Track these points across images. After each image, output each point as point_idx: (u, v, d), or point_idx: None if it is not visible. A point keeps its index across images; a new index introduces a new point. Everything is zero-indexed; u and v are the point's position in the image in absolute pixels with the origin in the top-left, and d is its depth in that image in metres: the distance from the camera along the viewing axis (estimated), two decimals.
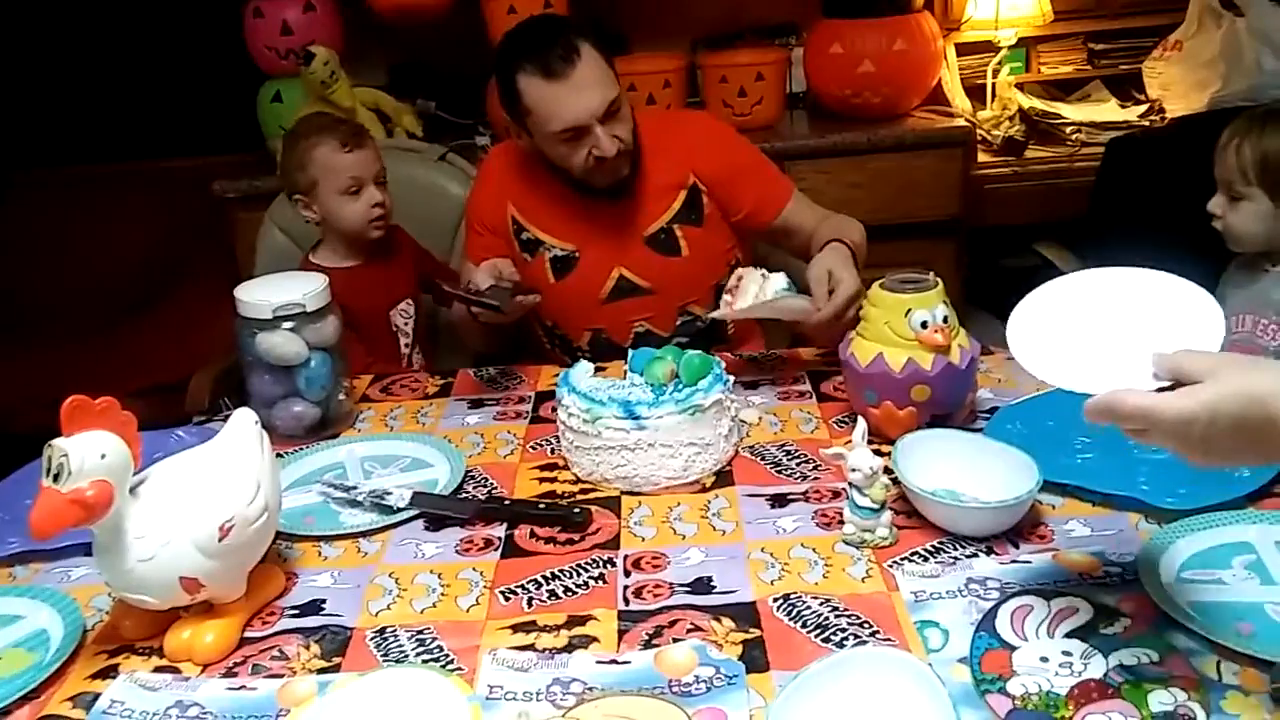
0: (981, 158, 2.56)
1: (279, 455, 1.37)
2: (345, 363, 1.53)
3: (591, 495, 1.27)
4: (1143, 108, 2.66)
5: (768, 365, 1.62)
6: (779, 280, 1.48)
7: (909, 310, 1.28)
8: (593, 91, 1.57)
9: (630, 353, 1.41)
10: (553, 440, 1.40)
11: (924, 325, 1.27)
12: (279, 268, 2.18)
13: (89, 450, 0.93)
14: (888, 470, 1.12)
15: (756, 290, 1.48)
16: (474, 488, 1.31)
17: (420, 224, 2.08)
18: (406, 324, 1.96)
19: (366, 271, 1.87)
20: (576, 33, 1.59)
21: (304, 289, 1.44)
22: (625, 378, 1.39)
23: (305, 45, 2.41)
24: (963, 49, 2.81)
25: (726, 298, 1.52)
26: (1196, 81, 2.53)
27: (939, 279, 1.31)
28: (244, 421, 1.10)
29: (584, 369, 1.39)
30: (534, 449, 1.41)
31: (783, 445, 1.35)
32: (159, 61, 3.08)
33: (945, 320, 1.28)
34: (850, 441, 1.13)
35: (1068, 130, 2.58)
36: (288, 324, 1.43)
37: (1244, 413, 0.76)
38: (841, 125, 2.62)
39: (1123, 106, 2.73)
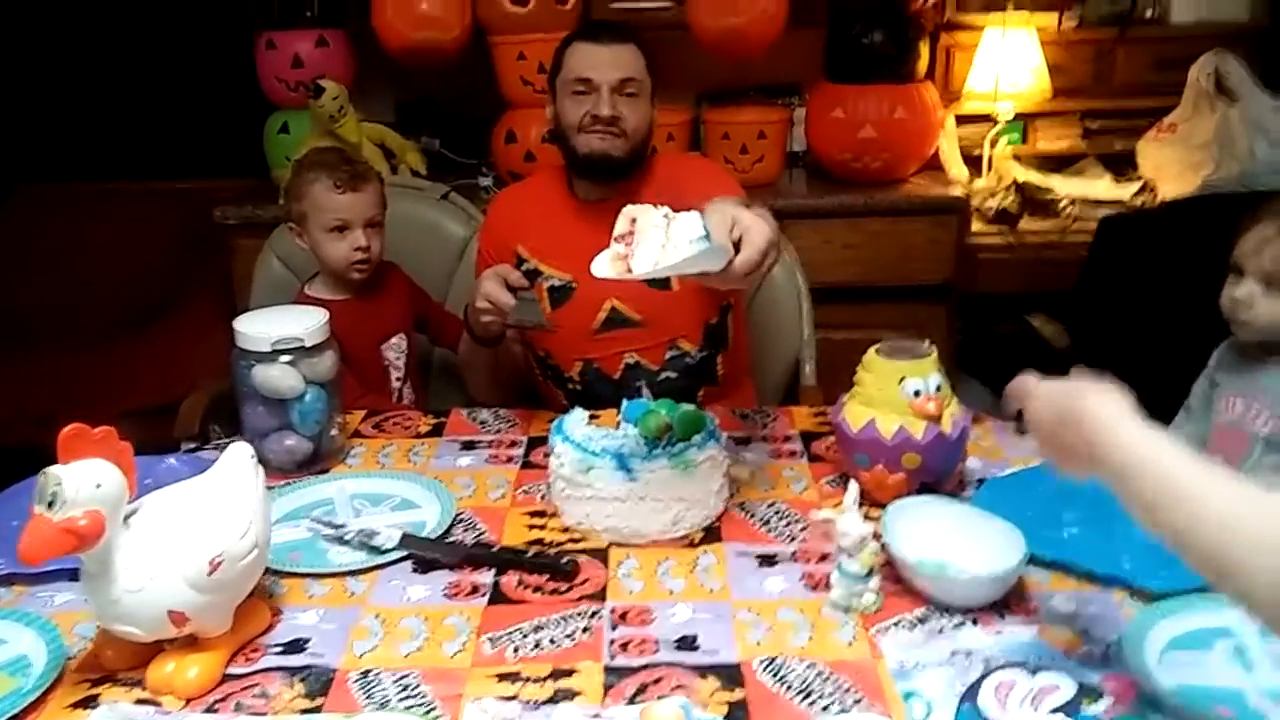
0: (975, 226, 2.59)
1: (269, 488, 1.38)
2: (340, 398, 1.53)
3: (580, 545, 1.27)
4: (1135, 185, 2.71)
5: (760, 421, 1.63)
6: (690, 224, 1.13)
7: (903, 378, 1.29)
8: (619, 65, 1.68)
9: (625, 403, 1.42)
10: (543, 487, 1.40)
11: (917, 394, 1.28)
12: (275, 297, 2.19)
13: (84, 479, 0.93)
14: (877, 536, 1.13)
15: (661, 240, 1.14)
16: (463, 531, 1.31)
17: (419, 262, 2.10)
18: (398, 359, 1.97)
19: (358, 306, 1.88)
20: (636, 37, 1.73)
21: (304, 323, 1.45)
22: (619, 428, 1.39)
23: (315, 79, 2.43)
24: (962, 120, 2.86)
25: (617, 248, 1.17)
26: (1190, 164, 2.58)
27: (934, 347, 1.33)
28: (239, 456, 1.10)
29: (579, 417, 1.39)
30: (524, 494, 1.41)
31: (772, 504, 1.35)
32: (169, 84, 3.11)
33: (938, 389, 1.30)
34: (840, 504, 1.13)
35: (1061, 204, 2.62)
36: (285, 357, 1.43)
37: (1065, 400, 0.95)
38: (840, 187, 2.65)
39: (1116, 183, 2.77)
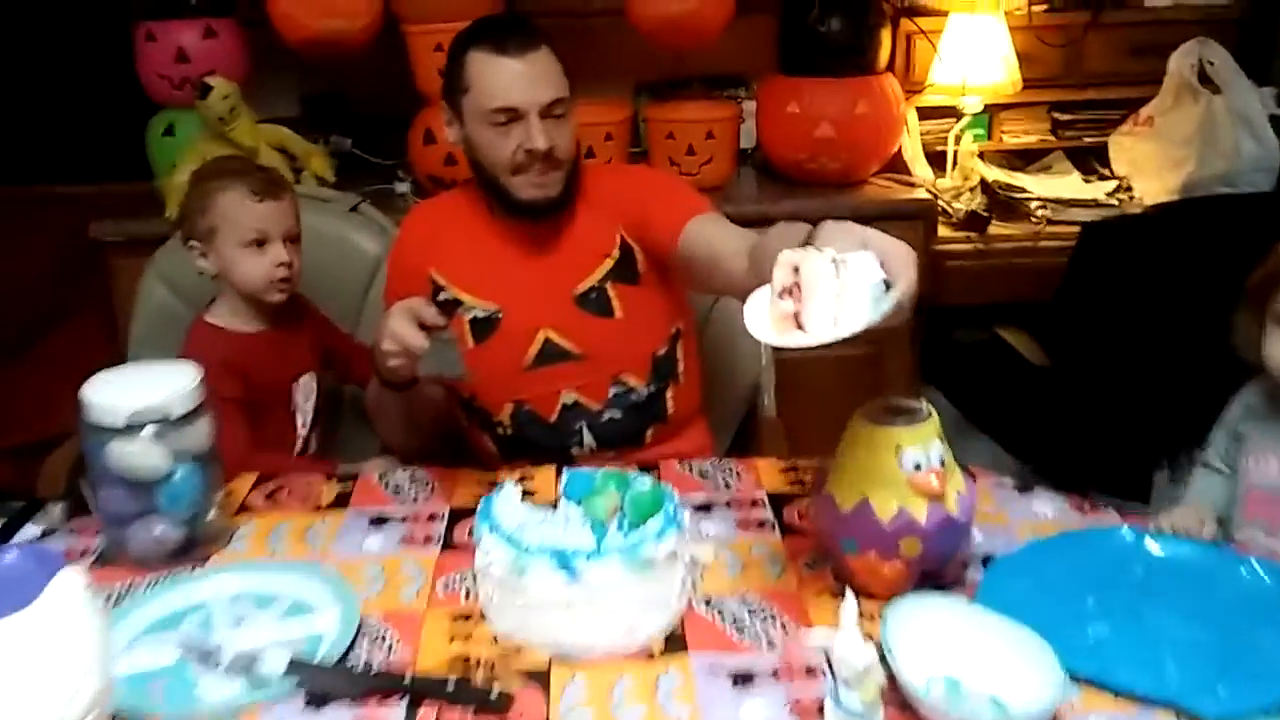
0: (942, 232, 2.41)
1: (128, 587, 1.15)
2: (218, 471, 1.29)
3: (514, 663, 1.05)
4: (1110, 185, 2.55)
5: (722, 479, 1.42)
6: (864, 267, 0.95)
7: (899, 447, 1.09)
8: (542, 82, 1.46)
9: (565, 473, 1.21)
10: (469, 578, 1.18)
11: (917, 467, 1.09)
12: (160, 328, 1.93)
13: None
14: (879, 651, 0.93)
15: (835, 290, 0.94)
16: (368, 646, 1.09)
17: (325, 284, 1.86)
18: (307, 402, 1.73)
19: (271, 338, 1.66)
20: (544, 36, 1.48)
21: (169, 387, 1.21)
22: (558, 506, 1.18)
23: (203, 75, 2.16)
24: (922, 113, 2.68)
25: (783, 305, 0.97)
26: (1169, 160, 2.43)
27: (931, 410, 1.13)
28: (68, 588, 0.86)
29: (510, 495, 1.18)
30: (446, 590, 1.19)
31: (744, 597, 1.15)
32: (42, 79, 2.79)
33: (941, 462, 1.10)
34: (836, 624, 0.93)
35: (1032, 205, 2.45)
36: (147, 430, 1.19)
37: None
38: (795, 190, 2.46)
39: (1086, 181, 2.62)
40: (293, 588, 1.18)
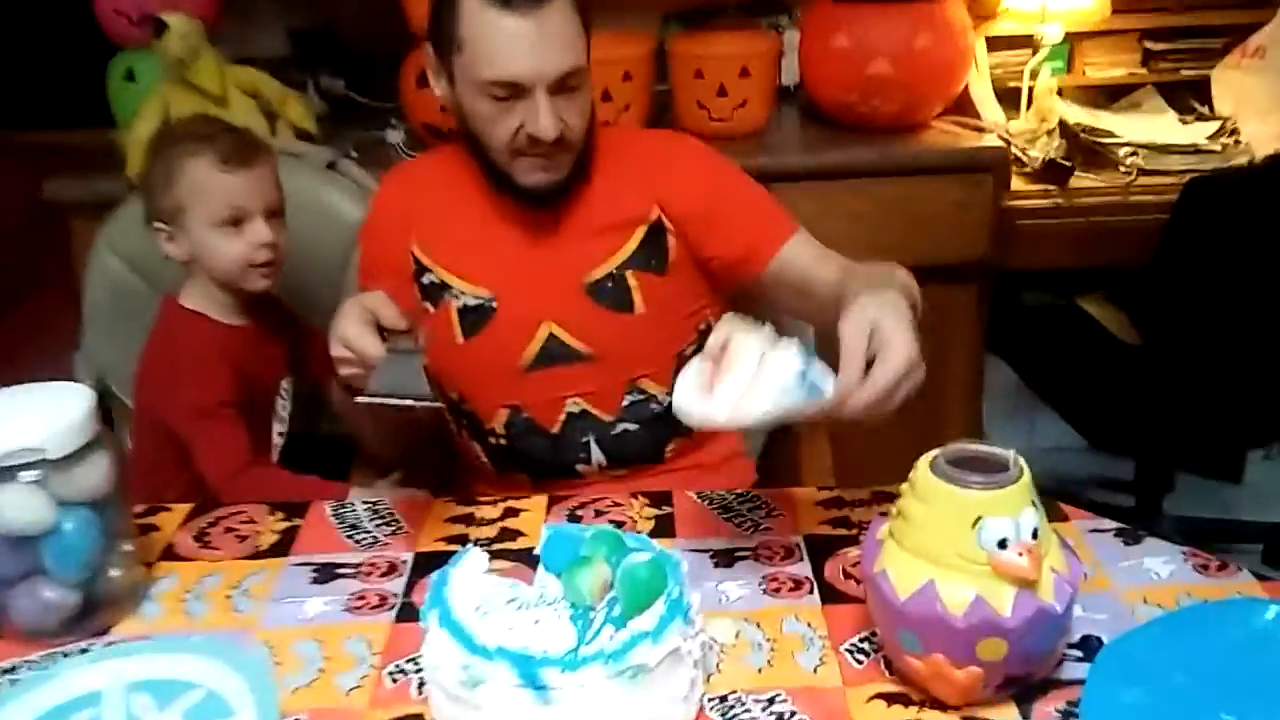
0: (1016, 184, 2.10)
1: (11, 668, 0.93)
2: (123, 518, 1.06)
3: None
4: (1211, 126, 2.22)
5: (747, 517, 1.17)
6: (787, 356, 0.95)
7: (979, 519, 0.83)
8: (554, 48, 1.18)
9: (544, 534, 0.96)
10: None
11: (1002, 544, 0.82)
12: (118, 307, 1.71)
13: None
14: None
15: (753, 369, 0.94)
16: None
17: (296, 256, 1.61)
18: (284, 408, 1.51)
19: (254, 333, 1.46)
20: None
21: (52, 420, 0.97)
22: (533, 582, 0.93)
23: (163, 10, 1.90)
24: (992, 44, 2.35)
25: (701, 367, 0.98)
26: None
27: (1023, 464, 0.86)
28: None
29: (473, 567, 0.93)
30: (395, 678, 0.95)
31: (773, 700, 0.90)
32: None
33: (1034, 534, 0.83)
34: None
35: (1121, 152, 2.13)
36: (26, 475, 0.95)
37: None
38: (843, 138, 2.15)
39: (1183, 122, 2.28)
40: (206, 674, 0.94)
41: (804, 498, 1.21)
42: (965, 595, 0.83)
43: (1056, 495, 2.54)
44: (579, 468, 1.34)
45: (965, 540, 0.83)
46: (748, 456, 1.49)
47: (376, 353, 1.07)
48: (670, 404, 1.32)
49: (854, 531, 1.12)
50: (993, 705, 0.87)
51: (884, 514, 0.92)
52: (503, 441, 1.35)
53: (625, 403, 1.32)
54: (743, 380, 0.93)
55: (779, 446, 1.61)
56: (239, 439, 1.37)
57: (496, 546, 1.13)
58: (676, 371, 1.31)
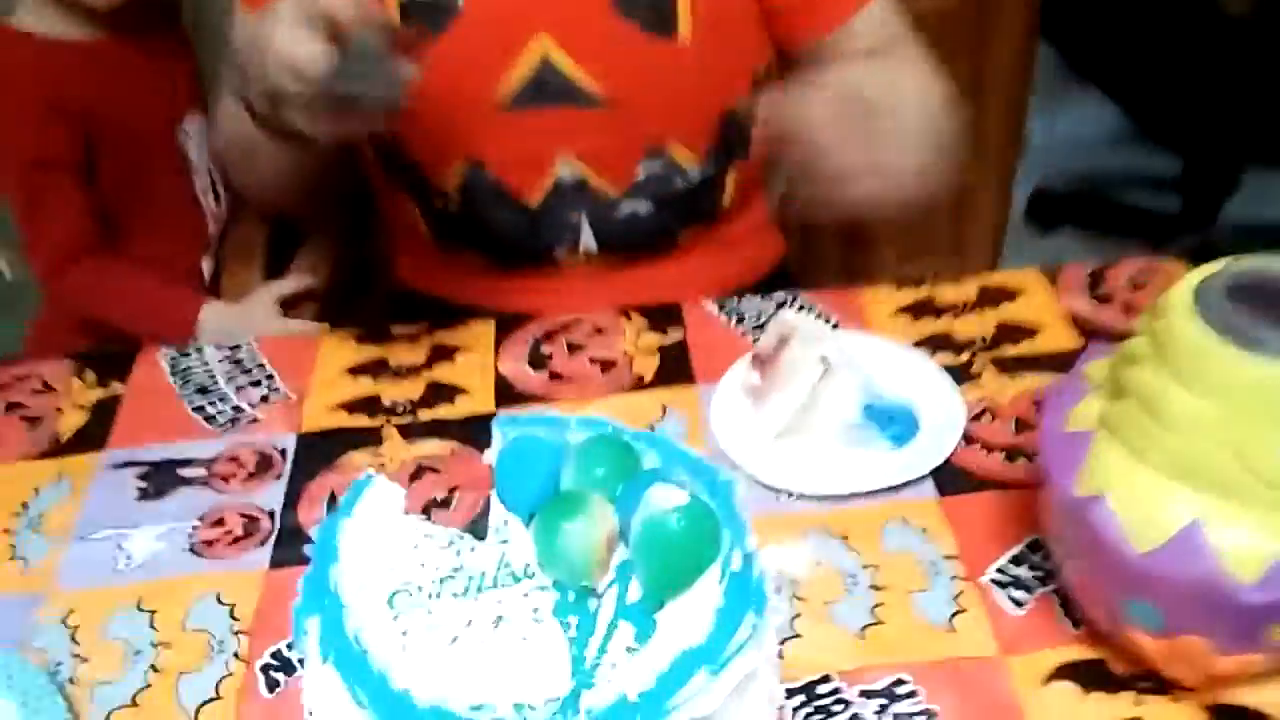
0: None
1: None
2: None
3: None
4: None
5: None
6: (846, 391, 0.70)
7: None
8: None
9: (497, 439, 0.58)
10: None
11: None
12: None
13: None
14: None
15: (803, 395, 0.69)
16: None
17: None
18: (201, 158, 1.11)
19: (115, 52, 1.07)
20: None
21: None
22: (487, 528, 0.56)
23: None
24: None
25: (751, 376, 0.72)
26: None
27: None
28: None
29: (378, 512, 0.55)
30: (275, 677, 0.59)
31: (891, 689, 0.56)
32: None
33: None
34: None
35: None
36: None
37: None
38: None
39: None
40: None
41: (878, 301, 0.82)
42: (1263, 549, 0.47)
43: (1093, 198, 2.16)
44: (558, 254, 0.93)
45: (1272, 452, 0.46)
46: (771, 221, 1.09)
47: (317, 63, 0.64)
48: (701, 179, 0.92)
49: (965, 358, 0.75)
50: (1258, 682, 0.54)
51: (1072, 373, 0.55)
52: (453, 209, 0.92)
53: (640, 174, 0.89)
54: (796, 396, 0.69)
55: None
56: (68, 216, 1.00)
57: (426, 416, 0.75)
58: (719, 139, 0.90)
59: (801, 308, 0.81)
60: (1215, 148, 2.01)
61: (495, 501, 0.56)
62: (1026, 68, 1.81)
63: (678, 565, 0.50)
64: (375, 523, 0.55)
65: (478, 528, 0.56)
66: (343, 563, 0.52)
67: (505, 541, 0.54)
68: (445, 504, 0.68)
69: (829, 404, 0.68)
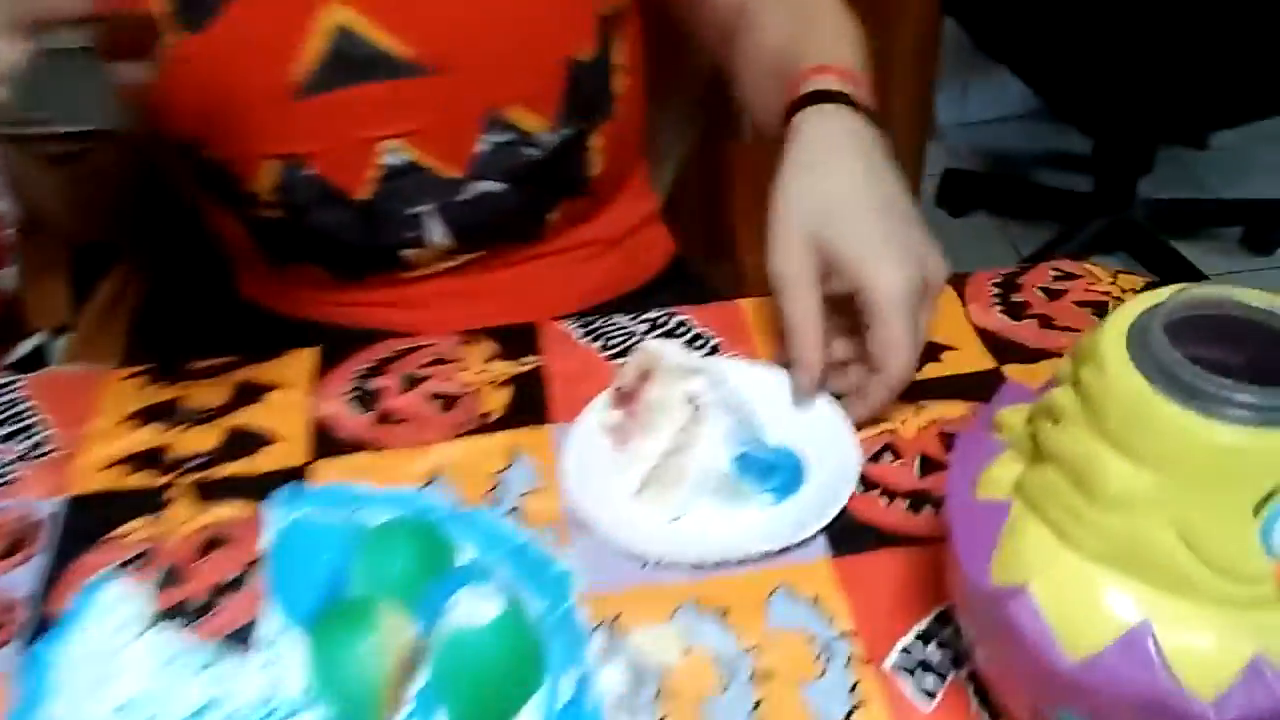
0: None
1: None
2: None
3: None
4: None
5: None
6: (714, 444, 0.59)
7: (1272, 498, 0.35)
8: None
9: (267, 529, 0.46)
10: None
11: None
12: None
13: None
14: None
15: (671, 437, 0.58)
16: None
17: None
18: None
19: None
20: None
21: None
22: (259, 632, 0.44)
23: None
24: None
25: (612, 416, 0.61)
26: None
27: None
28: None
29: (112, 624, 0.43)
30: None
31: None
32: None
33: None
34: None
35: None
36: None
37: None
38: None
39: None
40: None
41: (765, 316, 0.71)
42: (1222, 658, 0.37)
43: (1005, 179, 2.10)
44: (405, 253, 0.80)
45: (1231, 537, 0.36)
46: (660, 216, 0.98)
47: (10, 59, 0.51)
48: (558, 144, 0.80)
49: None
50: None
51: (982, 423, 0.45)
52: (276, 214, 0.79)
53: (480, 147, 0.77)
54: (653, 454, 0.58)
55: (690, 185, 1.10)
56: None
57: (223, 472, 0.62)
58: (569, 93, 0.78)
59: (680, 326, 0.71)
60: (1127, 126, 1.96)
61: (270, 604, 0.44)
62: (933, 48, 1.73)
63: (490, 696, 0.39)
64: (109, 641, 0.43)
65: (250, 638, 0.45)
66: (62, 698, 0.40)
67: (274, 663, 0.43)
68: (207, 608, 0.54)
69: (698, 452, 0.57)
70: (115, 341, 0.90)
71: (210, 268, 0.92)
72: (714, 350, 0.68)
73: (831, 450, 0.59)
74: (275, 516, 0.46)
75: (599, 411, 0.61)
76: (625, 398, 0.59)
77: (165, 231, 0.96)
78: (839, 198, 0.61)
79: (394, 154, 0.75)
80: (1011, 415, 0.45)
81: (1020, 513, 0.41)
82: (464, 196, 0.78)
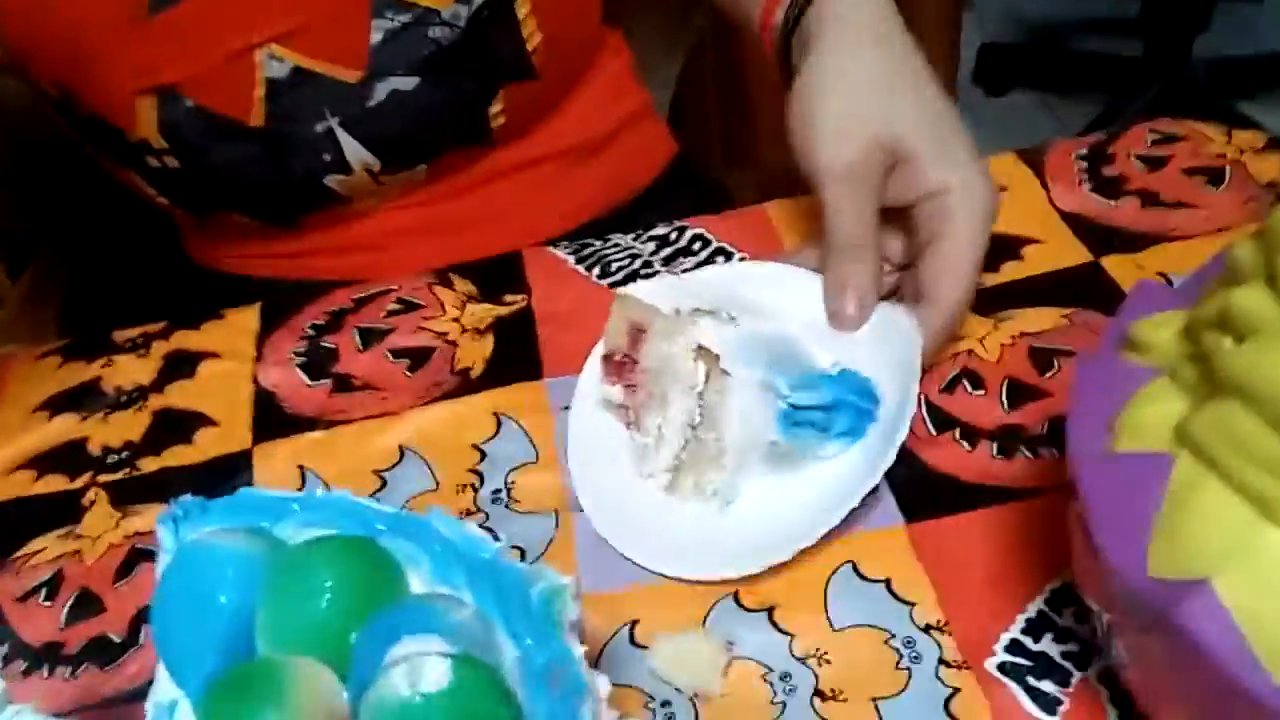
0: None
1: None
2: None
3: None
4: None
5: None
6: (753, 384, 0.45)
7: None
8: None
9: (162, 557, 0.34)
10: None
11: None
12: None
13: None
14: None
15: (693, 397, 0.45)
16: None
17: None
18: None
19: None
20: None
21: None
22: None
23: None
24: None
25: (606, 388, 0.47)
26: None
27: None
28: None
29: None
30: None
31: None
32: None
33: None
34: None
35: None
36: None
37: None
38: None
39: None
40: None
41: (795, 215, 0.58)
42: None
43: (1046, 49, 1.92)
44: (330, 184, 0.67)
45: None
46: (658, 110, 0.84)
47: None
48: (469, 21, 0.66)
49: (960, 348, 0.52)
50: None
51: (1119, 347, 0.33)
52: (173, 162, 0.67)
53: (375, 36, 0.63)
54: (670, 445, 0.45)
55: (701, 78, 0.96)
56: None
57: (151, 465, 0.51)
58: None
59: (696, 240, 0.58)
60: None
61: (160, 665, 0.33)
62: None
63: None
64: None
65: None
66: None
67: None
68: (122, 650, 0.43)
69: (731, 416, 0.45)
70: (47, 321, 0.78)
71: (153, 233, 0.80)
72: (743, 259, 0.56)
73: (894, 374, 0.46)
74: (165, 540, 0.35)
75: (596, 383, 0.48)
76: (618, 367, 0.46)
77: (91, 204, 0.84)
78: (902, 91, 0.49)
79: (274, 64, 0.62)
80: (1156, 329, 0.32)
81: (1191, 472, 0.28)
82: (371, 101, 0.64)
